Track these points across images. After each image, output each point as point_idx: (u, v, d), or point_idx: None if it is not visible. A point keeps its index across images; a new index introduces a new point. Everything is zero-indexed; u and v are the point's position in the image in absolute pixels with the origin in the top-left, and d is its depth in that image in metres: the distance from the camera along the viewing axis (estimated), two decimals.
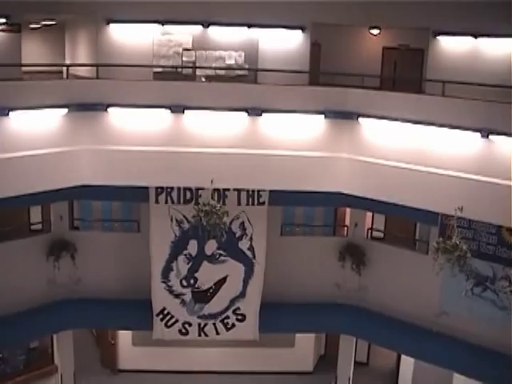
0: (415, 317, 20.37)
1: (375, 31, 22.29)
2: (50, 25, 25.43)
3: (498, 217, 16.35)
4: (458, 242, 16.04)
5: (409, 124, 17.67)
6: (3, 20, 19.50)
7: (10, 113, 16.51)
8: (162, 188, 19.92)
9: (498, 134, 16.08)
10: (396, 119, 17.90)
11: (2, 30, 19.90)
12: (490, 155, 16.49)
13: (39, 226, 21.82)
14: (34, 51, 25.82)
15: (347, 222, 22.39)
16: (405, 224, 21.30)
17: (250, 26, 21.21)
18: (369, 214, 21.84)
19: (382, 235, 22.02)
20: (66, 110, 17.65)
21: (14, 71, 19.07)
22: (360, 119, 18.58)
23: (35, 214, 21.64)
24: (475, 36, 19.47)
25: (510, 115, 15.88)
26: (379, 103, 18.50)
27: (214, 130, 18.72)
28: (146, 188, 19.71)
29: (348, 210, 22.18)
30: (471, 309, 18.84)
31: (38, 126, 17.36)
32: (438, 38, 20.36)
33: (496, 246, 17.65)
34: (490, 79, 18.49)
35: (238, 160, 18.64)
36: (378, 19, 21.29)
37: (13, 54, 20.00)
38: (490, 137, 16.23)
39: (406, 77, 22.02)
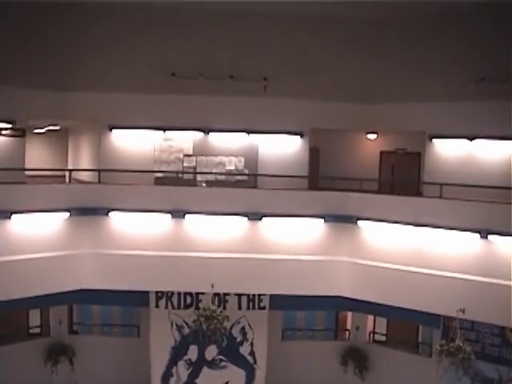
0: None
1: (372, 136, 22.70)
2: (54, 130, 25.88)
3: (501, 318, 16.18)
4: (461, 344, 15.88)
5: (408, 226, 17.88)
6: (8, 125, 19.91)
7: (13, 216, 16.76)
8: (162, 292, 19.91)
9: (498, 234, 16.25)
10: (395, 222, 18.15)
11: (7, 135, 20.26)
12: (490, 256, 16.61)
13: (38, 330, 21.56)
14: (37, 155, 26.24)
15: (349, 325, 22.19)
16: (407, 327, 21.05)
17: (249, 132, 21.56)
18: (370, 318, 21.69)
19: (384, 338, 21.76)
20: (67, 214, 17.85)
21: (18, 175, 19.34)
22: (359, 222, 18.81)
23: (34, 317, 21.41)
24: (470, 138, 19.85)
25: (508, 216, 16.03)
26: (378, 206, 18.79)
27: (215, 234, 18.97)
28: (146, 292, 19.69)
29: (349, 313, 21.99)
30: None
31: (39, 229, 17.59)
32: (433, 141, 20.72)
33: (500, 348, 17.43)
34: (486, 180, 18.76)
35: (238, 265, 18.78)
36: (374, 124, 21.75)
37: (16, 157, 20.27)
38: (490, 237, 16.37)
39: (404, 180, 22.26)
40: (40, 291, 17.38)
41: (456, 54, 19.75)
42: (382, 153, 23.15)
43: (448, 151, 20.46)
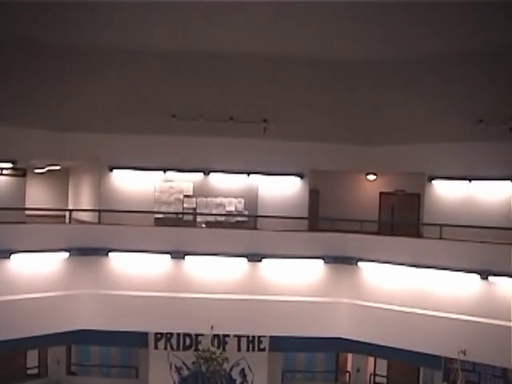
0: None
1: (372, 177, 22.78)
2: (55, 170, 26.01)
3: (503, 359, 16.12)
4: None
5: (408, 267, 17.90)
6: (9, 165, 20.00)
7: (12, 255, 16.79)
8: (161, 334, 19.79)
9: (498, 275, 16.25)
10: (395, 263, 18.17)
11: (8, 175, 20.37)
12: (490, 296, 16.61)
13: (36, 371, 21.32)
14: (37, 195, 26.32)
15: (349, 367, 21.98)
16: (408, 368, 20.88)
17: (249, 173, 21.65)
18: (371, 359, 21.50)
19: (385, 380, 21.55)
20: (67, 254, 17.86)
21: (18, 214, 19.40)
22: (359, 263, 18.83)
23: (32, 357, 21.20)
24: (469, 179, 19.94)
25: (508, 256, 16.04)
26: (378, 248, 18.85)
27: (215, 275, 18.98)
28: (145, 333, 19.58)
29: (350, 355, 21.82)
30: None
31: (38, 269, 17.60)
32: (433, 182, 20.86)
33: None
34: (485, 221, 18.92)
35: (238, 306, 18.77)
36: (374, 166, 21.88)
37: (17, 197, 20.36)
38: (490, 278, 16.36)
39: (404, 221, 22.33)
40: (38, 331, 17.36)
41: (454, 96, 19.92)
42: (381, 194, 23.19)
43: (447, 192, 20.53)
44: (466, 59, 19.42)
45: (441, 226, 18.36)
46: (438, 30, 18.89)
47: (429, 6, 18.29)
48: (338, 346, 19.45)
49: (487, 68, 19.17)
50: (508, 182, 19.26)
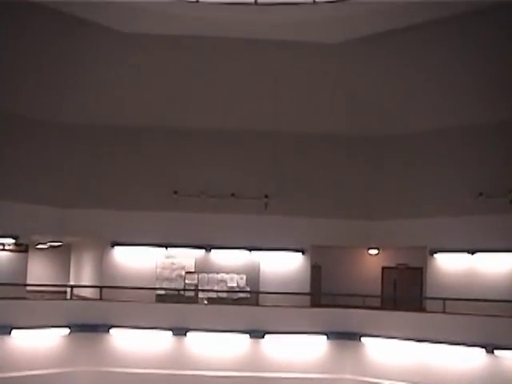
0: None
1: (374, 252, 22.79)
2: (57, 245, 26.05)
3: None
4: None
5: (412, 342, 17.69)
6: (11, 240, 20.01)
7: (13, 331, 16.68)
8: None
9: (504, 348, 16.08)
10: (399, 338, 17.97)
11: (10, 250, 20.39)
12: (496, 371, 16.39)
13: None
14: (39, 270, 26.32)
15: None
16: None
17: (251, 249, 21.64)
18: None
19: None
20: (67, 331, 17.74)
21: (19, 290, 19.36)
22: (363, 339, 18.65)
23: None
24: (471, 252, 19.93)
25: None
26: (381, 323, 18.72)
27: (216, 352, 18.81)
28: None
29: None
30: None
31: (39, 345, 17.46)
32: (435, 256, 20.78)
33: None
34: (489, 294, 18.74)
35: (240, 383, 18.52)
36: (375, 240, 21.91)
37: (18, 272, 20.38)
38: (496, 352, 16.16)
39: (407, 295, 22.24)
40: None
41: (453, 170, 20.10)
42: (383, 268, 23.19)
43: (450, 265, 20.46)
44: (465, 133, 19.71)
45: (444, 299, 18.26)
46: (437, 105, 19.21)
47: (427, 82, 18.67)
48: None
49: (486, 141, 19.43)
50: (510, 253, 19.23)
